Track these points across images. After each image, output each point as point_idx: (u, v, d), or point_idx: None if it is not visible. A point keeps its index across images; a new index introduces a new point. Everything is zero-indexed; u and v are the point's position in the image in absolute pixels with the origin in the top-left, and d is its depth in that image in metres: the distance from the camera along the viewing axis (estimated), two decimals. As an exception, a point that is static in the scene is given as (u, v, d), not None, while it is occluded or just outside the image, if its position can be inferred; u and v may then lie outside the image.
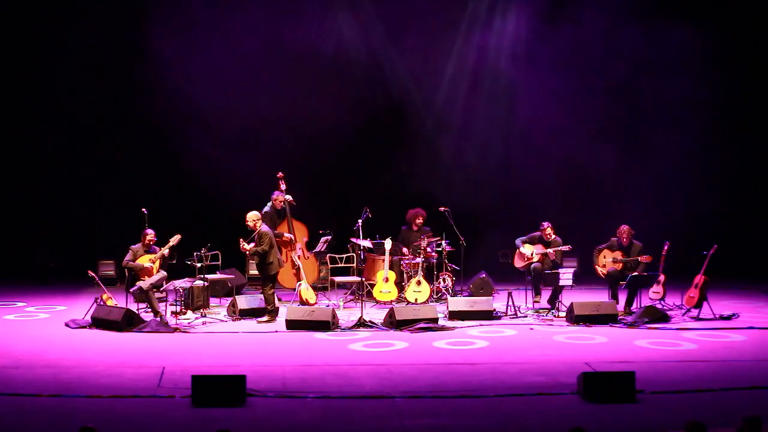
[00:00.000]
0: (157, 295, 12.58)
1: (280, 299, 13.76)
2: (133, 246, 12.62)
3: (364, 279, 13.83)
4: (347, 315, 12.92)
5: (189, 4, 16.17)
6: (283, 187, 14.20)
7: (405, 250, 14.37)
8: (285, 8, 16.32)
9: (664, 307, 13.26)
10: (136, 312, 12.35)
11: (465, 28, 16.92)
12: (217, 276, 13.93)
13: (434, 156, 17.08)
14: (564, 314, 12.83)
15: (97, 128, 16.66)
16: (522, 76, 17.09)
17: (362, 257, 13.76)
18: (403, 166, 16.66)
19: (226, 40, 16.37)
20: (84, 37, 16.19)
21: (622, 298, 13.32)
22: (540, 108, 17.08)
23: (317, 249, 14.36)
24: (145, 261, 12.50)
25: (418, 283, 13.72)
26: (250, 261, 15.24)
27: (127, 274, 12.80)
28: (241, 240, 12.68)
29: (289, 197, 14.19)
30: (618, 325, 12.31)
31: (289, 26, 16.27)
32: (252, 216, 12.71)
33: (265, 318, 12.57)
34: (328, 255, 14.72)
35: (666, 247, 13.30)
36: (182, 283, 12.68)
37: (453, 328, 12.16)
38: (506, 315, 13.01)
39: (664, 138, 17.13)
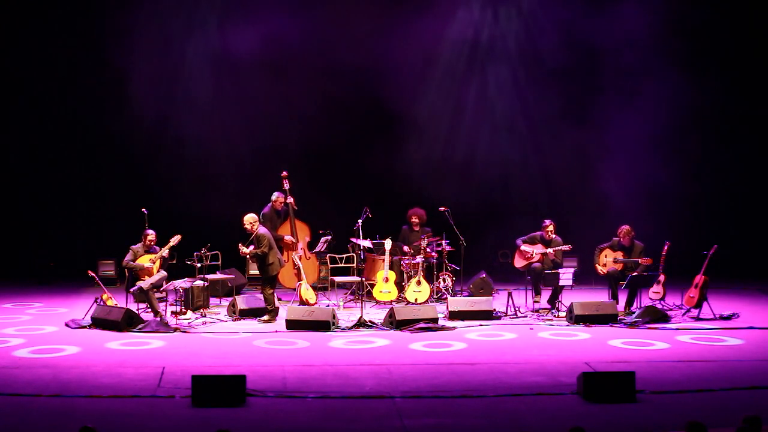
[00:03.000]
0: (157, 295, 12.58)
1: (280, 299, 13.77)
2: (133, 246, 12.62)
3: (364, 279, 13.83)
4: (347, 315, 12.93)
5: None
6: (286, 186, 14.19)
7: (406, 248, 14.36)
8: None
9: (664, 307, 13.26)
10: (136, 312, 12.36)
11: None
12: (217, 276, 13.93)
13: (433, 155, 17.07)
14: (564, 314, 12.83)
15: (97, 128, 16.65)
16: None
17: (362, 257, 13.76)
18: (402, 166, 16.65)
19: (217, 46, 16.46)
20: (81, 39, 16.30)
21: (622, 298, 13.33)
22: (535, 107, 17.14)
23: (317, 249, 14.36)
24: (145, 261, 12.50)
25: (418, 283, 13.72)
26: (251, 261, 15.26)
27: (127, 274, 12.80)
28: (240, 245, 12.65)
29: (290, 199, 14.19)
30: (618, 325, 12.31)
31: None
32: (249, 218, 12.68)
33: (266, 317, 12.57)
34: (328, 255, 14.72)
35: (666, 247, 13.30)
36: (182, 283, 12.67)
37: (453, 328, 12.16)
38: (506, 315, 13.01)
39: (664, 137, 17.16)
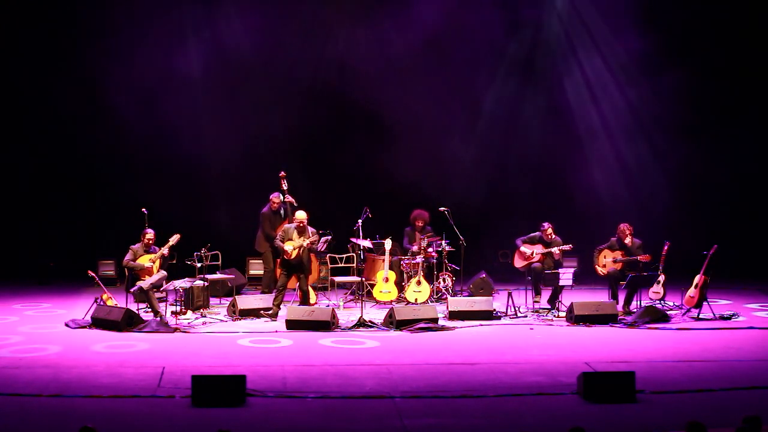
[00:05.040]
0: (157, 295, 12.57)
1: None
2: (132, 246, 12.61)
3: (364, 279, 13.82)
4: (347, 315, 12.93)
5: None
6: (284, 186, 14.19)
7: (414, 248, 14.23)
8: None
9: (664, 307, 13.26)
10: (136, 312, 12.35)
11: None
12: (217, 276, 13.93)
13: (432, 155, 17.07)
14: (564, 314, 12.83)
15: (97, 127, 16.65)
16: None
17: (362, 257, 13.75)
18: (402, 166, 16.64)
19: (215, 46, 16.49)
20: (80, 40, 16.34)
21: (622, 298, 13.32)
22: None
23: (317, 249, 14.33)
24: (145, 261, 12.49)
25: (418, 283, 13.72)
26: (251, 261, 15.28)
27: (127, 274, 12.79)
28: (287, 242, 12.62)
29: (290, 198, 14.18)
30: (618, 325, 12.31)
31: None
32: (303, 215, 12.76)
33: (271, 312, 12.63)
34: (328, 255, 14.71)
35: (666, 247, 13.30)
36: (182, 283, 12.67)
37: (453, 328, 12.16)
38: (506, 315, 13.02)
39: (663, 138, 17.17)
